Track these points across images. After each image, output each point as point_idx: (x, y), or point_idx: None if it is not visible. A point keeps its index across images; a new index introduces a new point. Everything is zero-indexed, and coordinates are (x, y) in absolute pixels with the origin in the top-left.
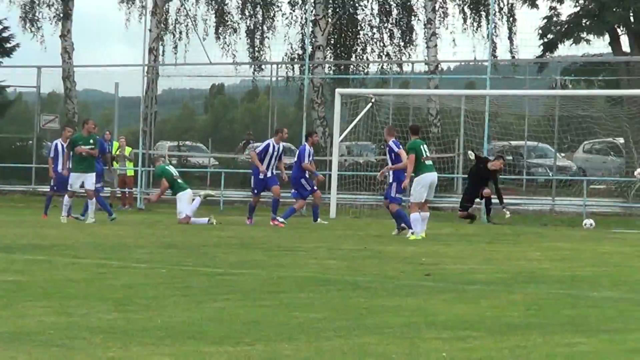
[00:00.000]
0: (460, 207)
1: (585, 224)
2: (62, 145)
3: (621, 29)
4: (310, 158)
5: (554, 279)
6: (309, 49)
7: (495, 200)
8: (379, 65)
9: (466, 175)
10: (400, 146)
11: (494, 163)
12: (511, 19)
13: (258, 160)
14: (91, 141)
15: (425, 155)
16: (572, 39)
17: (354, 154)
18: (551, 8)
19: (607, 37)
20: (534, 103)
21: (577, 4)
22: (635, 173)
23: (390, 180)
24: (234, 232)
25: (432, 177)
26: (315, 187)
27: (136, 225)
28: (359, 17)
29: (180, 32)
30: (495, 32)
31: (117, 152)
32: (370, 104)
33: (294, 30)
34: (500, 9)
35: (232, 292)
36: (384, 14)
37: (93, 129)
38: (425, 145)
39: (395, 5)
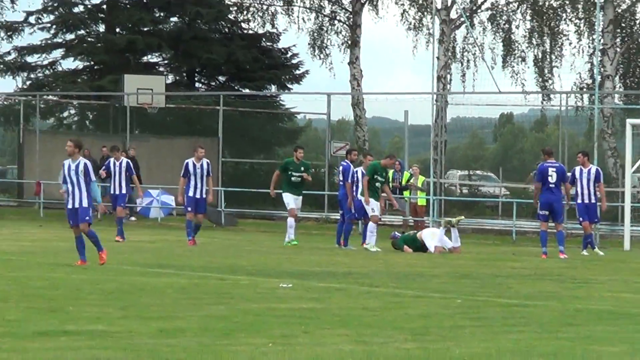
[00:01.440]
0: None
1: None
2: (195, 165)
3: None
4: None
5: None
6: (598, 78)
7: None
8: None
9: None
10: None
11: None
12: None
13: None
14: (302, 168)
15: None
16: None
17: None
18: None
19: None
20: None
21: None
22: None
23: None
24: (527, 263)
25: None
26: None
27: (429, 254)
28: None
29: (468, 61)
30: None
31: (411, 182)
32: None
33: (582, 59)
34: None
35: (528, 323)
36: None
37: (301, 156)
38: None
39: None
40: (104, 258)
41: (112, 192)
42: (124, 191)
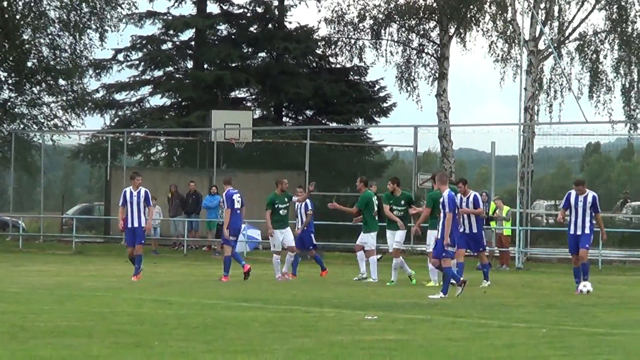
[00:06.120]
0: None
1: None
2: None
3: None
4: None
5: None
6: None
7: None
8: None
9: None
10: None
11: None
12: None
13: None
14: (286, 199)
15: None
16: None
17: None
18: None
19: None
20: None
21: None
22: None
23: None
24: (613, 292)
25: None
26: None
27: (514, 284)
28: None
29: (555, 91)
30: None
31: (495, 214)
32: None
33: None
34: None
35: (614, 352)
36: None
37: (286, 187)
38: None
39: None
40: None
41: (129, 225)
42: (143, 224)
